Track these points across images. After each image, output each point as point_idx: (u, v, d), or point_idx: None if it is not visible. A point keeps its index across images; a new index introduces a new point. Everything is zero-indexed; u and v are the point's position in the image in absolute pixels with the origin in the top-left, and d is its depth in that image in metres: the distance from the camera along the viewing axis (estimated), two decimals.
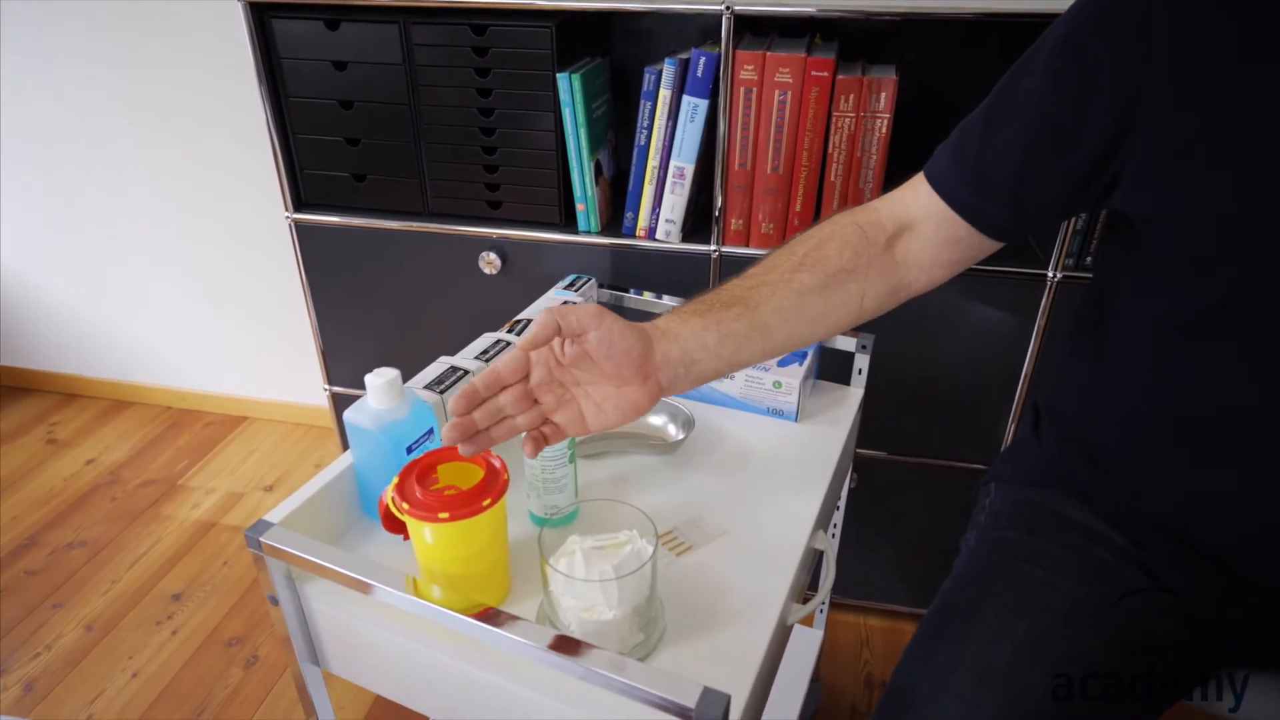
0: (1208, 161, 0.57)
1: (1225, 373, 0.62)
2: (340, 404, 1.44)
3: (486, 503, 0.60)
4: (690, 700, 0.49)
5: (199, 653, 1.36)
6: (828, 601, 1.22)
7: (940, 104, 1.22)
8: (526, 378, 0.60)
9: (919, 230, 0.69)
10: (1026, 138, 0.64)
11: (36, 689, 1.29)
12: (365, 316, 1.34)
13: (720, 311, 0.65)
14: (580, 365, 0.60)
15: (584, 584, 0.58)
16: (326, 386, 1.43)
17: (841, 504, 1.04)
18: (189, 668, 1.33)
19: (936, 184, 0.68)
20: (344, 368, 1.41)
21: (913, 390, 1.19)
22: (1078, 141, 0.61)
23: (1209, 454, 0.64)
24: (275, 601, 0.67)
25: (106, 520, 1.65)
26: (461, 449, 0.59)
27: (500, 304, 1.25)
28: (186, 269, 1.82)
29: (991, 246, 0.70)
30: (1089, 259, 1.06)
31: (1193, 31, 0.55)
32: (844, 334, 0.95)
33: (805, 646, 1.18)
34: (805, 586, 0.77)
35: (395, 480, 0.63)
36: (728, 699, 0.49)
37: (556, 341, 0.59)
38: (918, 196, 0.69)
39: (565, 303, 0.65)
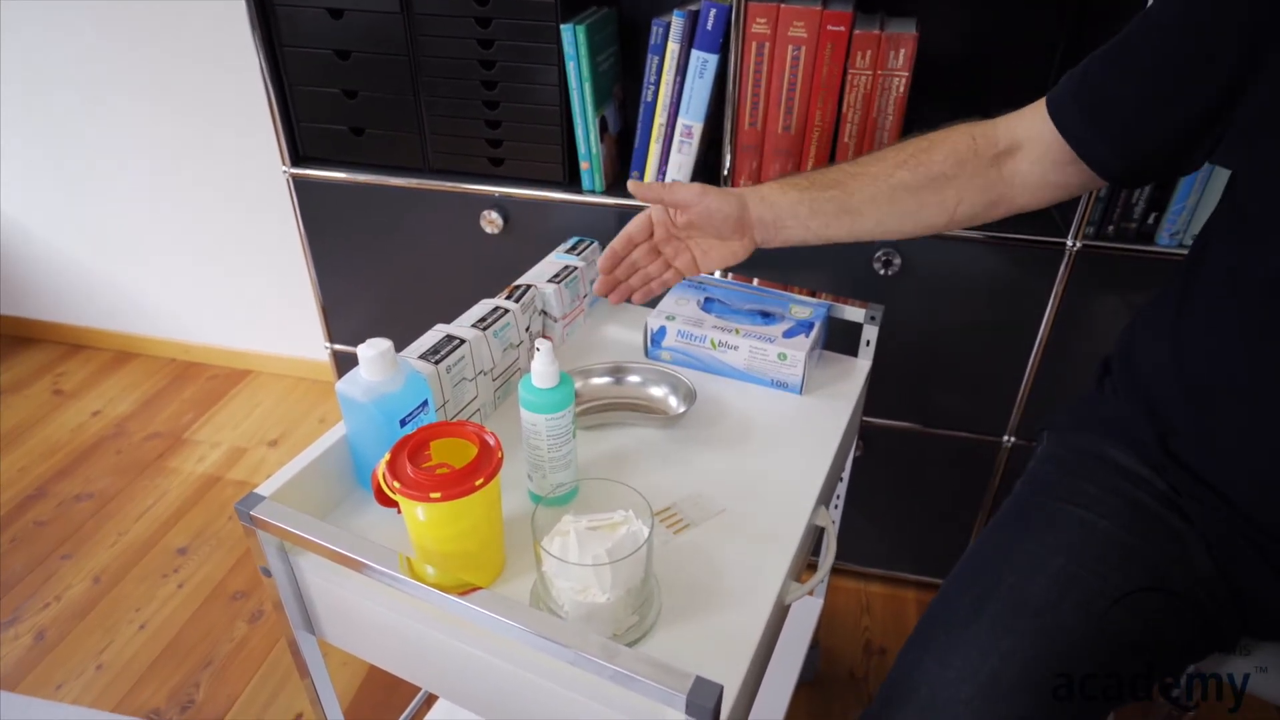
0: None
1: None
2: (342, 362, 1.43)
3: (479, 482, 0.58)
4: (682, 690, 0.48)
5: (204, 606, 1.37)
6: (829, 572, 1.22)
7: (963, 63, 1.17)
8: (651, 234, 0.81)
9: (1027, 150, 0.72)
10: (1149, 72, 0.64)
11: (47, 638, 1.31)
12: (366, 274, 1.32)
13: (817, 191, 0.76)
14: (689, 227, 0.80)
15: (577, 567, 0.57)
16: (328, 344, 1.41)
17: (845, 475, 1.02)
18: (195, 621, 1.35)
19: (1052, 107, 0.70)
20: (345, 325, 1.39)
21: (922, 357, 1.16)
22: (1199, 86, 0.61)
23: (1262, 418, 0.63)
24: (268, 573, 0.66)
25: (113, 472, 1.66)
26: (610, 300, 0.84)
27: (502, 264, 1.22)
28: (189, 221, 1.80)
29: (1098, 180, 0.71)
30: (1129, 225, 1.02)
31: None
32: (852, 305, 0.92)
33: (805, 614, 1.18)
34: (806, 562, 0.76)
35: (387, 456, 0.61)
36: (720, 690, 0.49)
37: (671, 210, 0.80)
38: (1034, 117, 0.71)
39: (673, 181, 0.88)
